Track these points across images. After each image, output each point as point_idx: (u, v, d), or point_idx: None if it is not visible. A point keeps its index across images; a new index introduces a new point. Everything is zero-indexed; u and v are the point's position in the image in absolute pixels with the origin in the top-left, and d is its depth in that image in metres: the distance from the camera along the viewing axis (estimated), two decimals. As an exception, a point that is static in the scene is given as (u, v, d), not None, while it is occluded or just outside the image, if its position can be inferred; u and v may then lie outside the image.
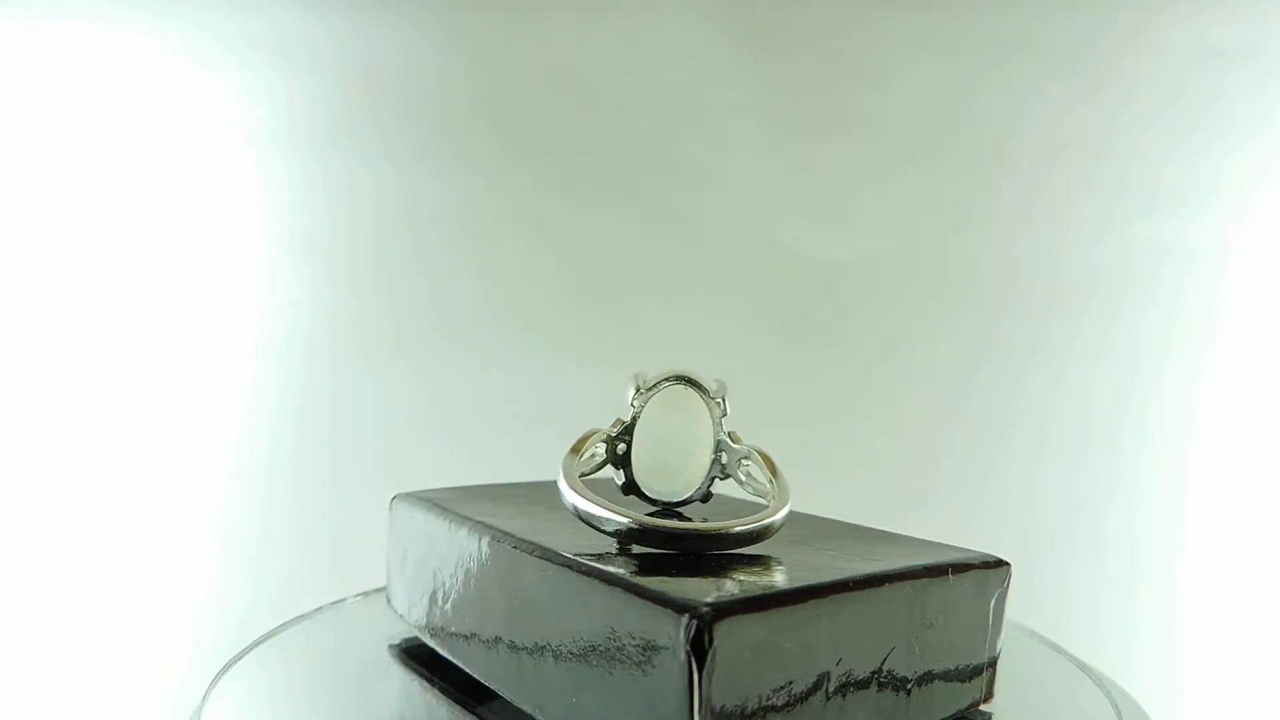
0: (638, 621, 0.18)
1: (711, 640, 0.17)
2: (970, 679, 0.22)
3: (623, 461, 0.25)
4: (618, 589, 0.19)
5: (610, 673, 0.19)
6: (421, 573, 0.27)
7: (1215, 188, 0.52)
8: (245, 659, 0.27)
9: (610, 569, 0.20)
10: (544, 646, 0.21)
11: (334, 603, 0.32)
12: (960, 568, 0.21)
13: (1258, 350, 0.53)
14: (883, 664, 0.20)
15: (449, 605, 0.25)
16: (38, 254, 0.52)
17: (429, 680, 0.26)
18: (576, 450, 0.24)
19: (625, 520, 0.21)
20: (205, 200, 0.53)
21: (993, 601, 0.22)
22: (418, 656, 0.27)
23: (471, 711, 0.23)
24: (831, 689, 0.19)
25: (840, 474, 0.54)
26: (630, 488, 0.25)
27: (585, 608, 0.19)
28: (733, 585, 0.19)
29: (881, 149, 0.53)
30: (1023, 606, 0.52)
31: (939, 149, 0.53)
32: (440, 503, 0.27)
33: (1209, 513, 0.54)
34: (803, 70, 0.53)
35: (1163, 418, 0.54)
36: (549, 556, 0.21)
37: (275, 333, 0.53)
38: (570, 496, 0.22)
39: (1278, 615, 0.54)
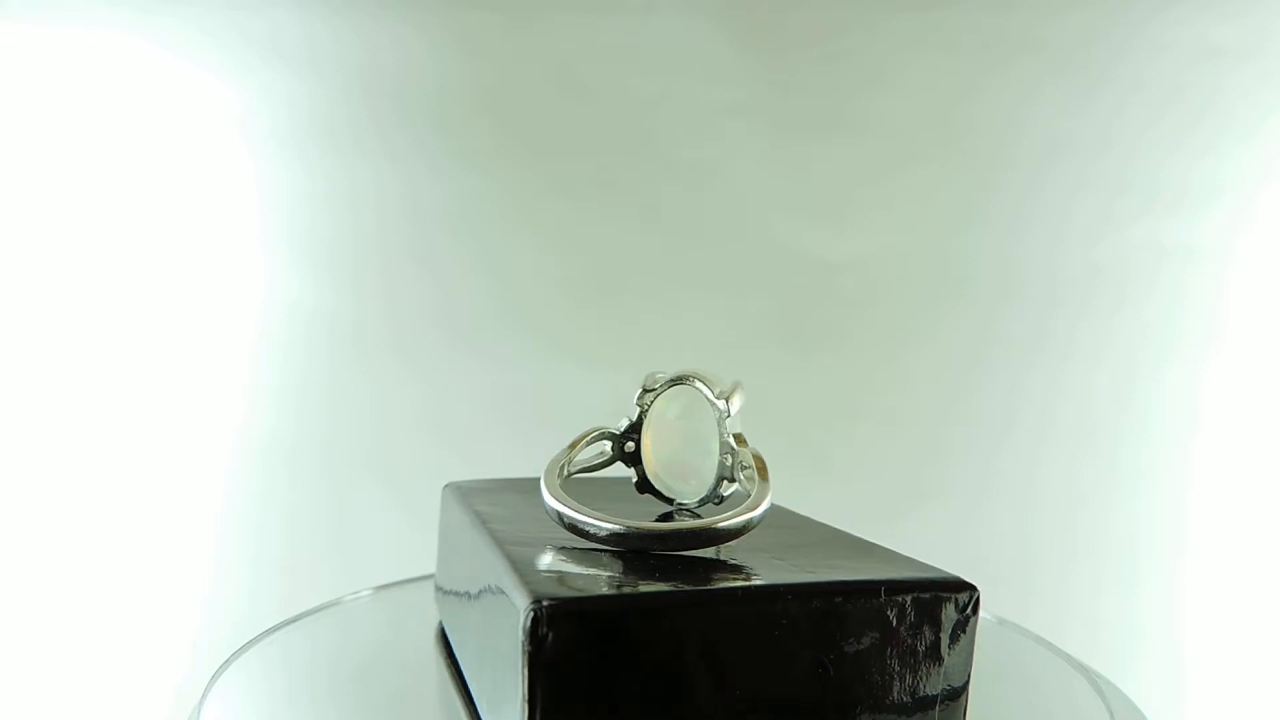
0: (515, 607, 0.18)
1: (545, 634, 0.17)
2: (914, 713, 0.19)
3: (633, 459, 0.25)
4: (512, 574, 0.19)
5: (496, 660, 0.19)
6: (446, 557, 0.28)
7: (1215, 188, 0.52)
8: (244, 656, 0.27)
9: (528, 555, 0.20)
10: (473, 619, 0.22)
11: (333, 601, 0.32)
12: (899, 586, 0.19)
13: (1258, 350, 0.53)
14: (782, 686, 0.18)
15: (452, 587, 0.26)
16: (38, 254, 0.53)
17: (441, 671, 0.26)
18: (574, 446, 0.24)
19: (582, 519, 0.21)
20: (205, 200, 0.53)
21: (951, 627, 0.20)
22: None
23: (470, 707, 0.23)
24: (707, 706, 0.18)
25: (840, 474, 0.54)
26: (644, 485, 0.25)
27: (500, 588, 0.20)
28: (610, 585, 0.18)
29: (882, 149, 0.53)
30: (1022, 606, 0.52)
31: (939, 149, 0.53)
32: (466, 491, 0.28)
33: (1209, 513, 0.54)
34: (803, 71, 0.53)
35: (1163, 418, 0.54)
36: (494, 541, 0.22)
37: (274, 332, 0.53)
38: (551, 502, 0.22)
39: (1278, 616, 0.54)
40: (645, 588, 0.18)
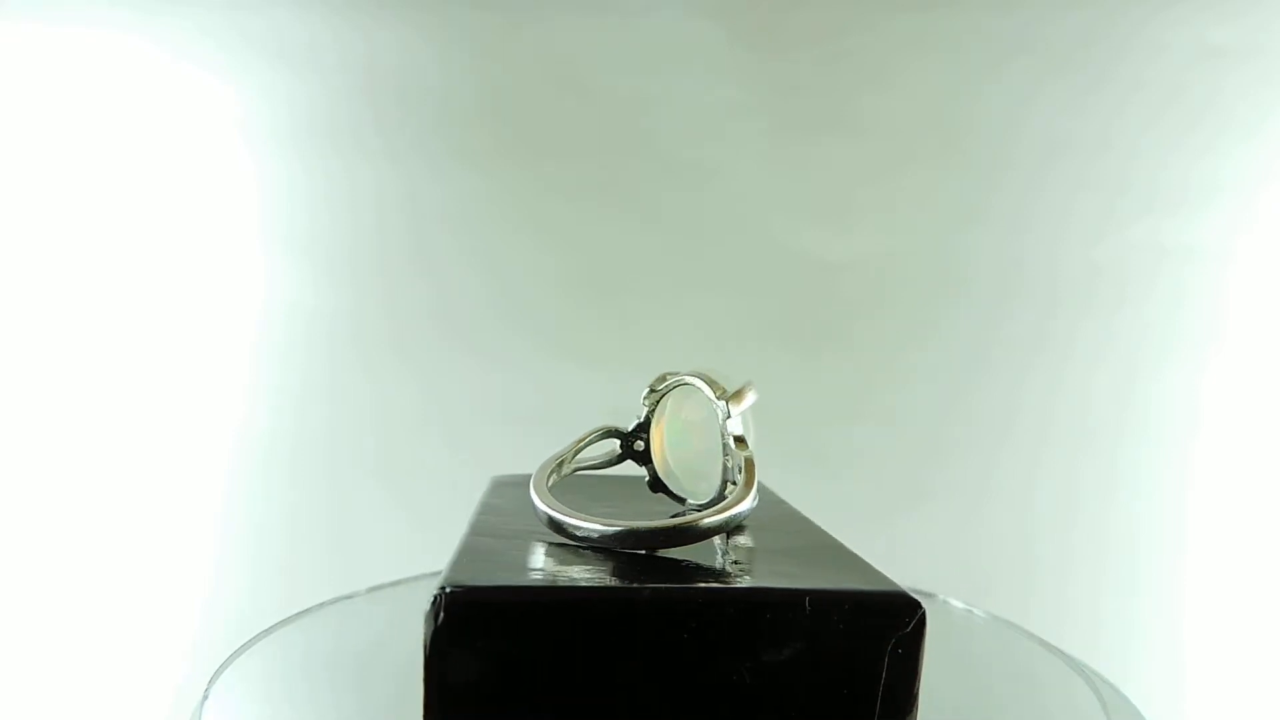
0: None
1: (441, 618, 0.17)
2: None
3: (644, 458, 0.25)
4: (451, 562, 0.20)
5: None
6: None
7: (1215, 188, 0.52)
8: (244, 656, 0.27)
9: (486, 546, 0.21)
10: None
11: (333, 600, 0.32)
12: (828, 598, 0.18)
13: (1258, 350, 0.53)
14: (694, 692, 0.18)
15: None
16: (38, 254, 0.53)
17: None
18: (578, 443, 0.24)
19: (557, 516, 0.21)
20: (205, 200, 0.53)
21: (890, 645, 0.19)
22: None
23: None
24: (612, 704, 0.18)
25: (840, 474, 0.54)
26: (656, 484, 0.25)
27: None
28: (532, 579, 0.19)
29: (882, 149, 0.53)
30: (1022, 607, 0.52)
31: (939, 149, 0.53)
32: (498, 484, 0.28)
33: (1209, 513, 0.54)
34: (803, 71, 0.53)
35: (1163, 418, 0.54)
36: (471, 531, 0.22)
37: (274, 332, 0.53)
38: (534, 499, 0.22)
39: (1278, 616, 0.54)
40: (559, 582, 0.18)
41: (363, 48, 0.52)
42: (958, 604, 0.32)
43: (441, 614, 0.17)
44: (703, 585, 0.19)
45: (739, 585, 0.19)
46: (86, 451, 0.53)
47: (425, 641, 0.18)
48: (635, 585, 0.18)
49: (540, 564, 0.20)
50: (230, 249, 0.53)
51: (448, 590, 0.18)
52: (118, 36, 0.51)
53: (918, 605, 0.18)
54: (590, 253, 0.54)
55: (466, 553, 0.20)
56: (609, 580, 0.19)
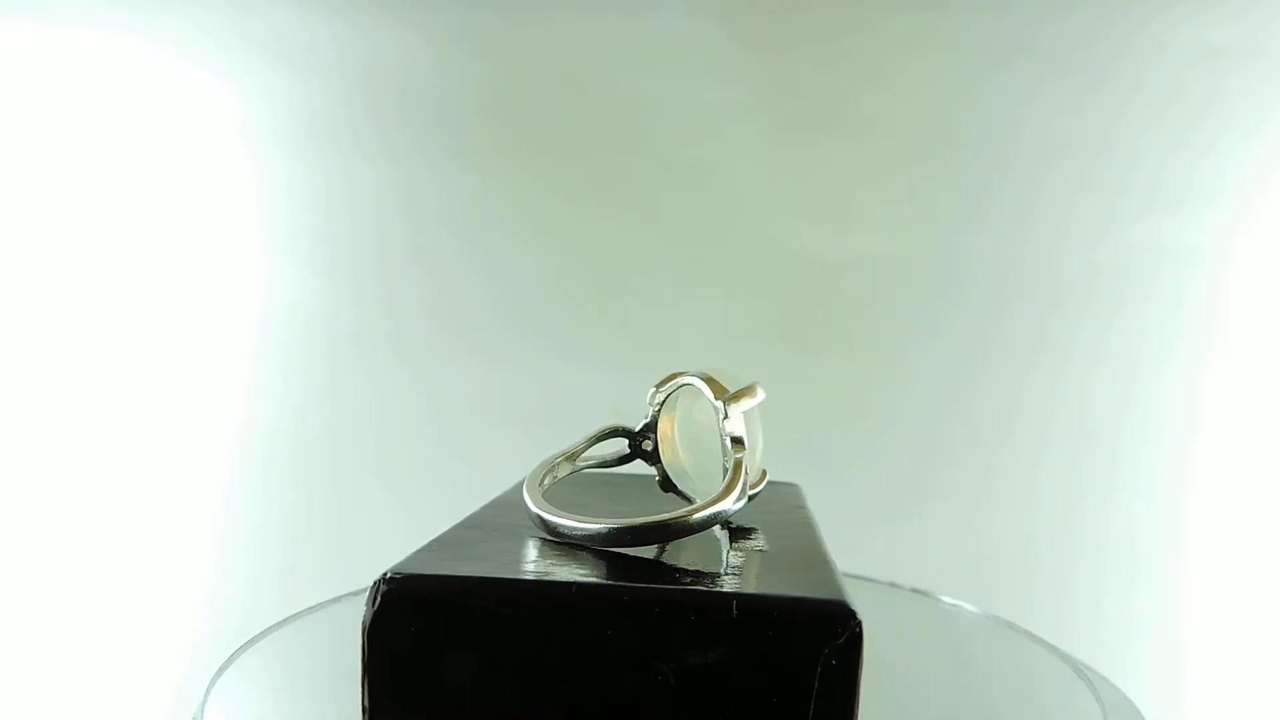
0: None
1: (377, 603, 0.18)
2: None
3: (652, 458, 0.25)
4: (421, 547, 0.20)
5: None
6: None
7: (1215, 188, 0.52)
8: (244, 656, 0.27)
9: (465, 538, 0.21)
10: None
11: (333, 600, 0.32)
12: (756, 604, 0.18)
13: (1258, 350, 0.53)
14: (617, 688, 0.18)
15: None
16: (38, 254, 0.53)
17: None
18: (587, 441, 0.24)
19: (539, 513, 0.22)
20: (205, 200, 0.53)
21: (822, 657, 0.18)
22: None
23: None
24: (538, 699, 0.18)
25: (840, 474, 0.54)
26: (666, 484, 0.25)
27: None
28: (480, 571, 0.19)
29: (882, 149, 0.53)
30: (1022, 607, 0.52)
31: (939, 149, 0.53)
32: (521, 480, 0.28)
33: (1209, 513, 0.54)
34: (804, 71, 0.53)
35: (1163, 418, 0.54)
36: (461, 524, 0.23)
37: (274, 332, 0.53)
38: (525, 496, 0.22)
39: (1278, 616, 0.54)
40: (502, 575, 0.19)
41: (363, 48, 0.52)
42: (958, 604, 0.32)
43: (378, 600, 0.18)
44: (633, 584, 0.19)
45: (671, 586, 0.19)
46: (87, 451, 0.53)
47: (364, 626, 0.18)
48: (563, 581, 0.19)
49: (504, 558, 0.20)
50: (230, 249, 0.53)
51: (388, 576, 0.18)
52: (118, 36, 0.51)
53: (852, 615, 0.18)
54: (590, 253, 0.54)
55: (437, 543, 0.21)
56: (552, 575, 0.19)
